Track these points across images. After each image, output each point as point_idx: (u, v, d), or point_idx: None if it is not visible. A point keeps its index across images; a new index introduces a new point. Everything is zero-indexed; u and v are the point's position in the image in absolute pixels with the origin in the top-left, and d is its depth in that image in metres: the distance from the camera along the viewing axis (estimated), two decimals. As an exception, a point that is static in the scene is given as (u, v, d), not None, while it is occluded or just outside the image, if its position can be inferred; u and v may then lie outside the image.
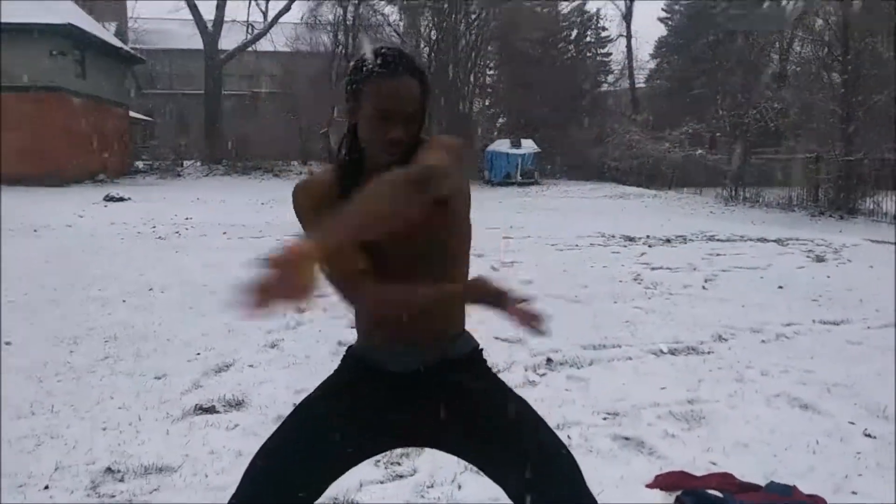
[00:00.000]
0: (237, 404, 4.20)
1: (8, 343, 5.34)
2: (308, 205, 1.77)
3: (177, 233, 12.24)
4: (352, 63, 1.71)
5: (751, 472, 3.32)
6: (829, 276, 8.52)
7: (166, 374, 4.71)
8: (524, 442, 1.71)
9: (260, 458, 1.75)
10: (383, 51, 1.66)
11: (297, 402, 1.92)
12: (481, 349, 1.90)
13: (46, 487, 3.17)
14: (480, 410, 1.76)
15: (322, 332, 5.79)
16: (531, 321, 1.57)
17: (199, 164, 33.42)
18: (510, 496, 1.73)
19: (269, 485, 1.70)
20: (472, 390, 1.79)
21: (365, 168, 1.74)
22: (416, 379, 1.78)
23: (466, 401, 1.77)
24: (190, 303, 6.80)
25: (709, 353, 5.35)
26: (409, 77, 1.65)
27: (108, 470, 3.33)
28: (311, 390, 1.92)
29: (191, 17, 35.98)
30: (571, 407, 4.14)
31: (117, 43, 31.17)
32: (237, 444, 3.63)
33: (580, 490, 1.70)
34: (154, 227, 13.00)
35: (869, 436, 3.78)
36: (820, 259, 9.94)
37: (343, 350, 5.16)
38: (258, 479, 1.72)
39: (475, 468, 1.88)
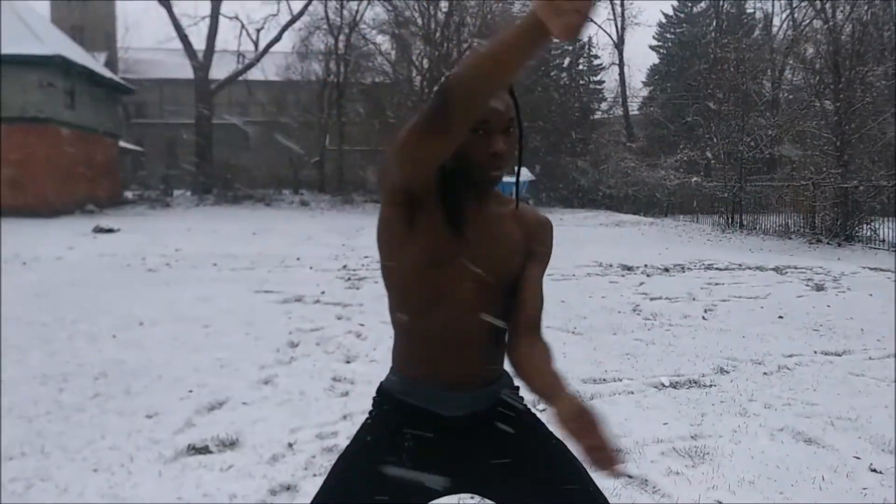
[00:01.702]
0: (231, 444, 4.09)
1: (-6, 381, 5.23)
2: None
3: (167, 264, 12.14)
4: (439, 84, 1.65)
5: (758, 511, 3.24)
6: (828, 306, 8.47)
7: (158, 412, 4.61)
8: (569, 491, 1.68)
9: None
10: None
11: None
12: (518, 386, 1.82)
13: (36, 533, 3.07)
14: (528, 454, 1.71)
15: (316, 367, 5.71)
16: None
17: (189, 193, 33.42)
18: None
19: None
20: (519, 434, 1.74)
21: (462, 186, 1.66)
22: (467, 422, 1.71)
23: (515, 444, 1.72)
24: (181, 337, 6.70)
25: (711, 385, 5.28)
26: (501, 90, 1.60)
27: (99, 514, 3.24)
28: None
29: (181, 46, 36.18)
30: (573, 444, 4.04)
31: (107, 73, 31.27)
32: (231, 486, 3.54)
33: None
34: (144, 258, 12.89)
35: (875, 471, 3.74)
36: (819, 288, 9.89)
37: (339, 386, 5.07)
38: None
39: None
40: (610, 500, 3.32)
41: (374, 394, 1.82)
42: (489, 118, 1.57)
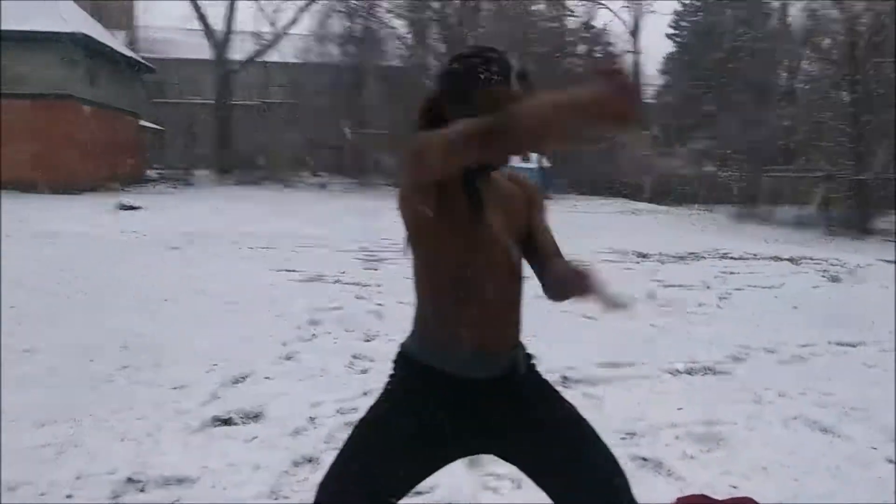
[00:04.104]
0: (255, 416, 4.20)
1: (27, 351, 5.34)
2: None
3: (190, 242, 12.25)
4: (455, 66, 1.69)
5: (771, 496, 3.29)
6: (843, 297, 8.47)
7: (184, 384, 4.71)
8: (585, 455, 1.75)
9: (336, 475, 1.75)
10: (489, 54, 1.66)
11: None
12: (532, 355, 1.91)
13: (69, 496, 3.17)
14: (546, 420, 1.79)
15: (337, 345, 5.80)
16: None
17: (209, 173, 33.48)
18: None
19: (350, 498, 1.71)
20: (538, 399, 1.82)
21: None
22: (489, 385, 1.78)
23: (533, 409, 1.79)
24: (203, 313, 6.80)
25: (725, 373, 5.33)
26: (522, 84, 1.65)
27: (129, 480, 3.33)
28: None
29: (200, 27, 36.17)
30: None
31: (128, 52, 31.26)
32: (255, 456, 3.63)
33: None
34: (166, 236, 13.00)
35: (890, 461, 3.76)
36: (834, 279, 9.89)
37: (358, 363, 5.15)
38: (337, 495, 1.72)
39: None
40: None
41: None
42: None
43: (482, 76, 1.63)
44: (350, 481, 1.72)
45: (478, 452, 1.93)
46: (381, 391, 1.88)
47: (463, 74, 1.66)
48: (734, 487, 3.42)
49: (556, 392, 1.88)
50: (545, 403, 1.82)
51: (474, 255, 1.72)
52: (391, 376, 1.88)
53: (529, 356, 1.89)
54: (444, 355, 1.77)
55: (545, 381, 1.89)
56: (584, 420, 1.82)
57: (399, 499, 1.77)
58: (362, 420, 1.84)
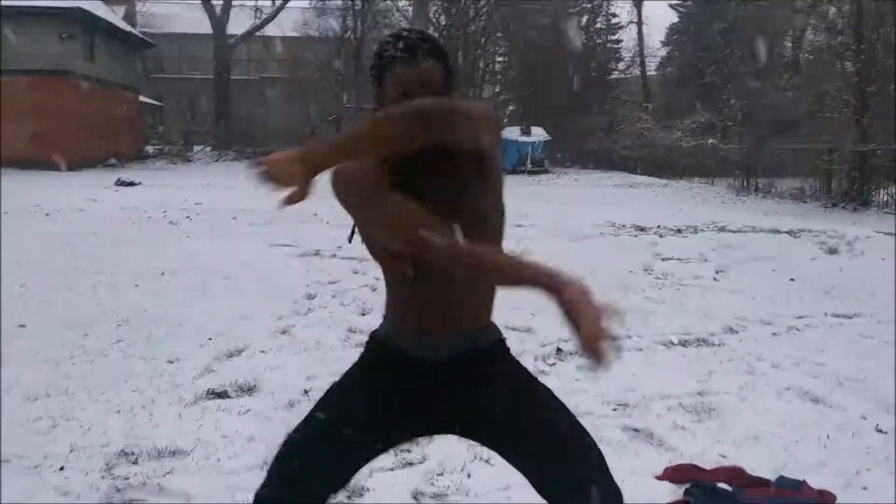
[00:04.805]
0: (249, 389, 4.23)
1: (22, 326, 5.37)
2: (353, 190, 1.75)
3: (187, 218, 12.24)
4: (375, 48, 1.71)
5: (761, 465, 3.32)
6: (841, 269, 8.47)
7: (178, 358, 4.74)
8: (549, 432, 1.73)
9: (289, 447, 1.78)
10: (405, 34, 1.66)
11: (325, 388, 1.91)
12: (505, 339, 1.88)
13: (62, 469, 3.21)
14: (505, 400, 1.77)
15: (333, 318, 5.82)
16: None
17: (208, 149, 33.40)
18: (534, 485, 1.75)
19: (299, 473, 1.73)
20: (498, 380, 1.80)
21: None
22: (443, 368, 1.77)
23: (492, 390, 1.78)
24: (201, 288, 6.82)
25: (719, 344, 5.34)
26: (432, 60, 1.64)
27: (122, 452, 3.37)
28: (330, 376, 1.92)
29: (199, 0, 35.96)
30: (581, 397, 4.14)
31: (126, 27, 31.08)
32: (249, 428, 3.66)
33: (606, 479, 1.73)
34: (165, 211, 12.98)
35: (881, 431, 3.78)
36: (832, 251, 9.87)
37: (354, 336, 5.18)
38: (287, 469, 1.75)
39: (494, 456, 1.90)
40: (615, 452, 3.45)
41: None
42: (413, 92, 1.59)
43: (386, 53, 1.64)
44: (295, 467, 1.75)
45: (437, 433, 1.95)
46: (352, 364, 1.91)
47: (375, 53, 1.69)
48: (724, 457, 3.45)
49: (527, 373, 1.87)
50: (512, 384, 1.81)
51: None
52: (361, 353, 1.91)
53: (497, 338, 1.86)
54: (396, 336, 1.81)
55: (515, 362, 1.88)
56: (557, 399, 1.81)
57: (350, 474, 1.81)
58: (322, 398, 1.86)
